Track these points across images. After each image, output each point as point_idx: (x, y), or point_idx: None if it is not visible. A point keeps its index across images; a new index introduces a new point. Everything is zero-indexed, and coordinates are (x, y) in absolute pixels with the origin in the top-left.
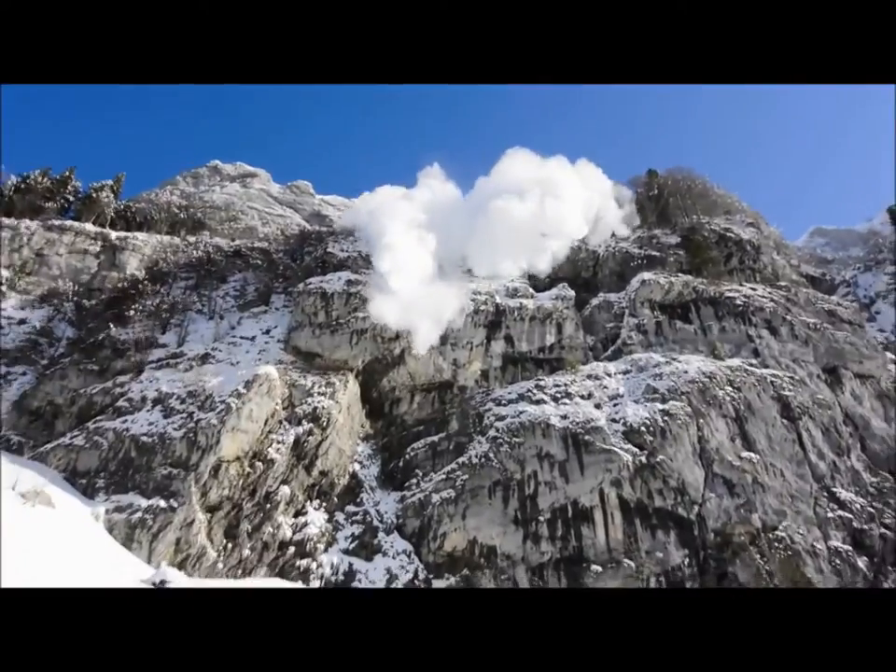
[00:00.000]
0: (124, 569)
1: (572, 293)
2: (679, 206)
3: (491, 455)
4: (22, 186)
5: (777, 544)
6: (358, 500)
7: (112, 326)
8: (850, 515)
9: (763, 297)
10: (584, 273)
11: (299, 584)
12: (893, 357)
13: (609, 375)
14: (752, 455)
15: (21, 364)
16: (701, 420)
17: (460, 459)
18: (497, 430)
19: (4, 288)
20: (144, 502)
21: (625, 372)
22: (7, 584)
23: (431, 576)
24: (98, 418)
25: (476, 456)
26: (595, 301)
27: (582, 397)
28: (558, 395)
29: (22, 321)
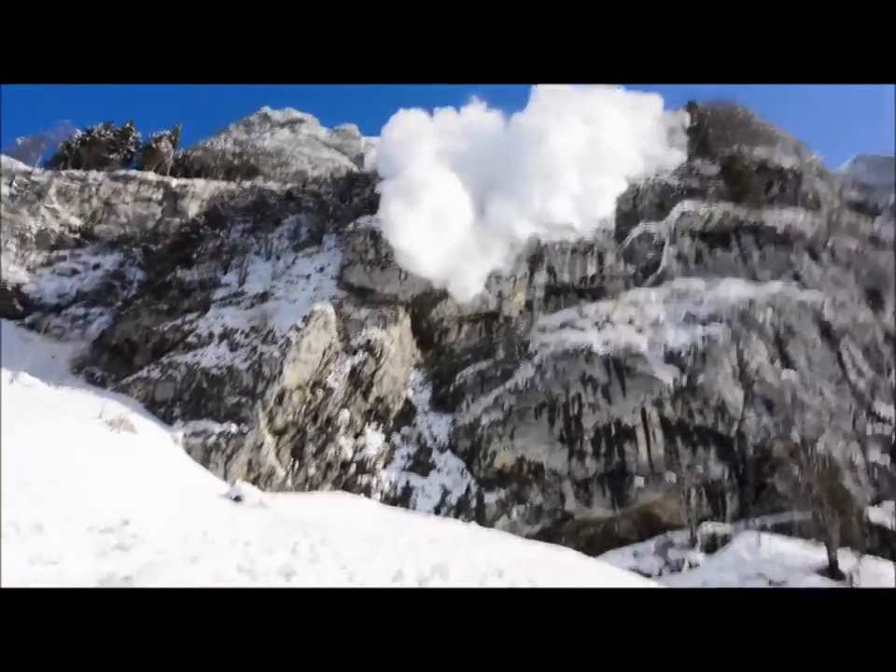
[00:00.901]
0: (205, 485)
1: (612, 225)
2: (720, 136)
3: (536, 379)
4: (87, 139)
5: (815, 458)
6: (413, 423)
7: (178, 268)
8: (889, 430)
9: (804, 223)
10: (623, 206)
11: (362, 497)
12: None
13: (651, 302)
14: (792, 374)
15: (98, 306)
16: (741, 343)
17: (507, 384)
18: (542, 357)
19: (78, 236)
20: (217, 427)
21: (666, 300)
22: (108, 499)
23: (483, 489)
24: (171, 353)
25: (522, 381)
26: (635, 232)
27: (624, 324)
28: (600, 322)
29: (97, 266)
